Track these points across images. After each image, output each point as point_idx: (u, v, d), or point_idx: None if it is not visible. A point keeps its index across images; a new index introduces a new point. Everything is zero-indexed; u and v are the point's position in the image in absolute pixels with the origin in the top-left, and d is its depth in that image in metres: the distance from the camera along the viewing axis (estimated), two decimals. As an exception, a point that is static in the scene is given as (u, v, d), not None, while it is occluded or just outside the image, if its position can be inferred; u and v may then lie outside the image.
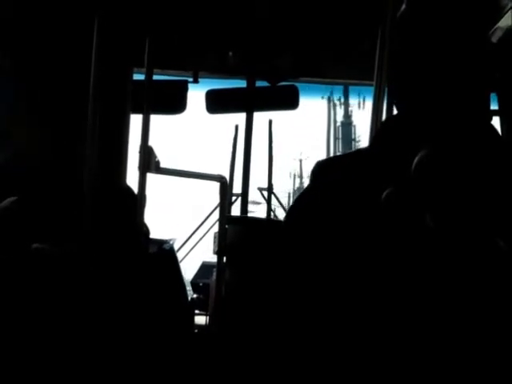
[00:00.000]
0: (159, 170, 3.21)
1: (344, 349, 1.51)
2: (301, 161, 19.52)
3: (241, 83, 5.08)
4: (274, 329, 1.62)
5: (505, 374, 1.43)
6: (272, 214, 6.17)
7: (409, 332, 1.46)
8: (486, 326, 1.44)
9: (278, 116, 5.21)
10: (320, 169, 1.67)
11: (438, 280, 1.44)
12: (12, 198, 2.36)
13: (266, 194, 6.18)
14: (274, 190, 6.11)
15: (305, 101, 5.12)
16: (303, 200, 1.66)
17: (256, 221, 4.89)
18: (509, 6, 2.46)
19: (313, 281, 1.55)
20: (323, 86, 5.73)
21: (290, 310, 1.59)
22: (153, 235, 3.16)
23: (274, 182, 6.08)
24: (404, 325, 1.46)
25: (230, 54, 4.35)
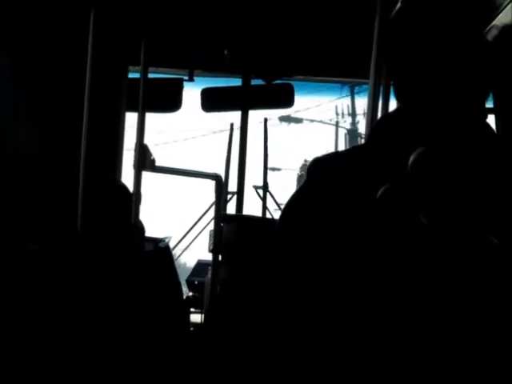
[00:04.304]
0: (154, 168, 3.21)
1: (338, 346, 1.51)
2: (337, 123, 17.59)
3: (236, 81, 5.08)
4: (269, 327, 1.62)
5: (499, 367, 1.44)
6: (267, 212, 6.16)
7: (403, 327, 1.46)
8: (479, 321, 1.44)
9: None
10: (317, 166, 1.66)
11: (433, 276, 1.45)
12: None
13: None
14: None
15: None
16: (299, 197, 1.65)
17: (251, 219, 4.89)
18: (504, 4, 2.46)
19: (307, 279, 1.55)
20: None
21: (284, 308, 1.59)
22: (148, 233, 3.16)
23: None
24: (399, 321, 1.47)
25: (226, 52, 4.35)
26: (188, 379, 3.25)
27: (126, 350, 2.58)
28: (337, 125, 17.94)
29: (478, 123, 1.58)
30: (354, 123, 16.73)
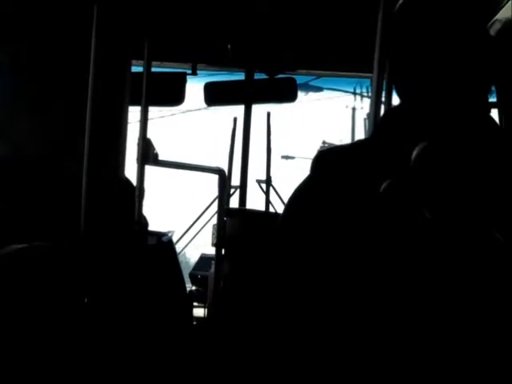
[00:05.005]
0: (157, 162, 3.21)
1: (340, 342, 1.51)
2: (353, 109, 16.91)
3: (239, 75, 5.08)
4: (271, 321, 1.63)
5: (502, 366, 1.44)
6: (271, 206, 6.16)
7: (406, 323, 1.46)
8: (482, 317, 1.44)
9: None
10: (321, 159, 1.66)
11: (436, 270, 1.45)
12: None
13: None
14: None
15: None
16: (303, 190, 1.65)
17: (254, 213, 4.90)
18: (507, -1, 2.46)
19: (310, 273, 1.55)
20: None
21: (287, 302, 1.59)
22: (151, 227, 3.17)
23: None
24: (401, 317, 1.47)
25: (229, 46, 4.35)
26: (191, 373, 3.26)
27: (129, 345, 2.59)
28: (353, 110, 17.46)
29: (482, 117, 1.58)
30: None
